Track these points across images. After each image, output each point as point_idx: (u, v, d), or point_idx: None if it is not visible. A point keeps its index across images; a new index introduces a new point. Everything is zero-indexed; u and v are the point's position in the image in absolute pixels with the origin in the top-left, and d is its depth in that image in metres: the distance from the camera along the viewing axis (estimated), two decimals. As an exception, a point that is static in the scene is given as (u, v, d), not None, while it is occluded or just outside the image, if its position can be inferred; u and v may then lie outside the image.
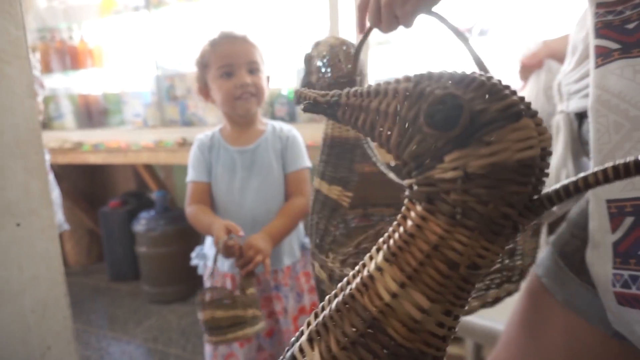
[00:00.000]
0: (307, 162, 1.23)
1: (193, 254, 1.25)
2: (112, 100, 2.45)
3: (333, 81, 0.68)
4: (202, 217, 1.12)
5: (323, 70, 0.69)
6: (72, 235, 2.74)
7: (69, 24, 2.40)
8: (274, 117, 2.00)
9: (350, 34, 1.84)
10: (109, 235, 2.53)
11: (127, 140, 2.17)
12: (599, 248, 0.47)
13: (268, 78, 1.22)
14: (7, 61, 0.78)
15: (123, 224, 2.45)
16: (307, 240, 1.26)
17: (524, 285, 0.64)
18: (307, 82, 0.73)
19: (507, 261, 0.50)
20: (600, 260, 0.47)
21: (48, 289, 0.84)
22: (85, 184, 2.80)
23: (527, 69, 0.83)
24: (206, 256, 1.23)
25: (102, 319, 2.17)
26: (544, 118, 0.64)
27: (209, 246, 1.22)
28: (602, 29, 0.47)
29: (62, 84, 2.60)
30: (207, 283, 1.19)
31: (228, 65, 1.12)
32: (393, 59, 1.95)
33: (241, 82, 1.11)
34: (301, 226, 1.26)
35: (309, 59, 0.72)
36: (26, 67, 0.81)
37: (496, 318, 1.07)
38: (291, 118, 1.99)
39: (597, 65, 0.47)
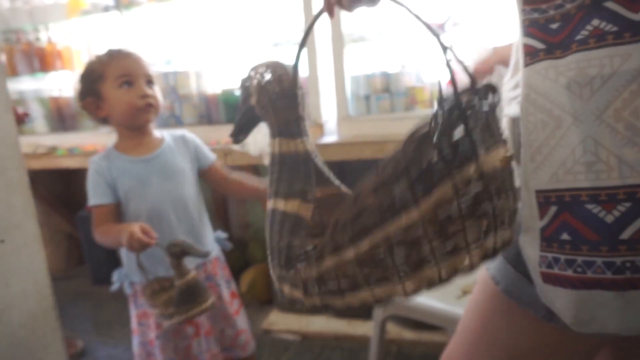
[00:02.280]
0: (214, 155, 1.31)
1: (113, 278, 1.21)
2: (84, 102, 2.41)
3: (275, 96, 0.68)
4: (111, 228, 1.11)
5: (266, 87, 0.68)
6: (51, 241, 2.69)
7: (34, 25, 2.34)
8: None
9: (322, 26, 1.85)
10: (88, 238, 2.49)
11: (104, 143, 2.14)
12: (529, 233, 0.51)
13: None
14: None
15: (102, 227, 2.43)
16: (219, 233, 1.34)
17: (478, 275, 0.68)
18: (247, 106, 0.72)
19: (495, 200, 0.48)
20: (530, 244, 0.51)
21: (36, 302, 0.85)
22: (61, 189, 2.75)
23: (479, 75, 0.87)
24: (128, 275, 1.20)
25: (87, 323, 2.15)
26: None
27: (128, 263, 1.20)
28: (529, 27, 0.50)
29: (31, 87, 2.54)
30: (141, 296, 1.18)
31: (128, 75, 1.13)
32: (368, 56, 1.97)
33: (142, 93, 1.14)
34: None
35: (246, 83, 0.71)
36: (1, 82, 0.80)
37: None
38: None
39: (526, 64, 0.50)
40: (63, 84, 2.52)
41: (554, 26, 0.48)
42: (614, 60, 0.44)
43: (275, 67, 0.69)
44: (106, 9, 2.13)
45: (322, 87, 1.90)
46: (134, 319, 1.24)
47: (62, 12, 2.27)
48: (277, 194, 0.66)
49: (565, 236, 0.47)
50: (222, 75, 2.25)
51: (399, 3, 0.56)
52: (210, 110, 2.14)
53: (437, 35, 0.57)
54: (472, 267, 0.47)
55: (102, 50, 1.19)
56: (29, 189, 0.84)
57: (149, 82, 1.17)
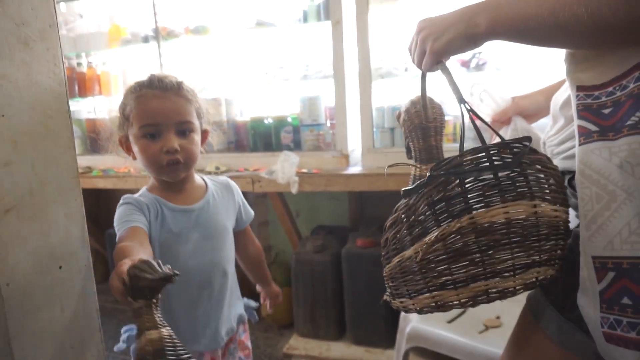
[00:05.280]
0: (252, 211, 1.17)
1: (122, 336, 1.06)
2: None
3: (415, 127, 0.86)
4: (120, 252, 0.81)
5: (406, 119, 0.88)
6: (78, 257, 2.78)
7: (77, 52, 2.47)
8: (280, 145, 2.08)
9: (351, 60, 1.92)
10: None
11: (137, 166, 2.23)
12: (588, 294, 0.55)
13: (205, 132, 1.08)
14: (51, 116, 0.85)
15: (130, 246, 2.50)
16: (248, 302, 1.20)
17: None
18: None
19: (550, 242, 0.56)
20: (590, 304, 0.55)
21: (85, 325, 0.90)
22: (92, 207, 2.85)
23: (497, 125, 0.91)
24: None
25: (110, 342, 2.20)
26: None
27: None
28: (582, 111, 0.55)
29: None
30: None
31: (153, 126, 0.95)
32: (395, 90, 2.03)
33: (167, 148, 0.94)
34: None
35: (399, 114, 0.90)
36: (67, 121, 0.87)
37: (498, 344, 1.14)
38: (296, 146, 2.07)
39: (580, 144, 0.56)
40: (99, 107, 2.64)
41: (606, 111, 0.54)
42: None
43: (415, 103, 0.87)
44: (146, 39, 2.25)
45: (349, 119, 1.97)
46: None
47: (104, 41, 2.39)
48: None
49: (626, 300, 0.51)
50: (251, 104, 2.34)
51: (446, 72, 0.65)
52: (239, 137, 2.22)
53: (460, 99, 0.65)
54: (513, 293, 0.55)
55: (141, 77, 1.01)
56: (85, 219, 0.91)
57: (183, 131, 0.97)
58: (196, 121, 1.01)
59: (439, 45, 0.66)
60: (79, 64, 2.46)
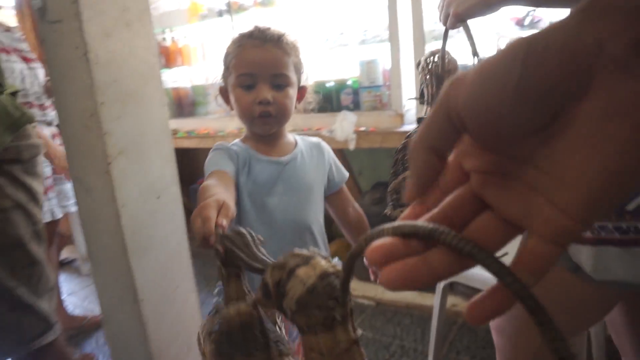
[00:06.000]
0: (346, 172, 1.13)
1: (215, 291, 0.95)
2: (199, 92, 2.82)
3: (431, 74, 0.98)
4: (204, 192, 0.76)
5: (424, 66, 0.99)
6: (169, 210, 3.19)
7: (162, 28, 2.77)
8: (340, 106, 2.25)
9: (405, 24, 2.03)
10: (199, 209, 2.94)
11: (215, 127, 2.52)
12: None
13: (303, 90, 1.05)
14: (147, 82, 1.09)
15: (211, 199, 2.84)
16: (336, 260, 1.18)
17: None
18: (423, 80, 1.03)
19: None
20: None
21: (176, 243, 1.17)
22: (178, 165, 3.24)
23: None
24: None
25: (199, 278, 2.57)
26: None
27: None
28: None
29: (157, 79, 3.02)
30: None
31: (249, 75, 0.94)
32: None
33: (260, 99, 0.93)
34: None
35: (419, 64, 1.01)
36: (160, 85, 1.12)
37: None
38: (355, 106, 2.23)
39: None
40: (182, 77, 2.96)
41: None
42: None
43: (435, 54, 1.00)
44: (220, 13, 2.49)
45: (404, 80, 2.09)
46: None
47: (184, 17, 2.68)
48: None
49: None
50: (314, 68, 2.52)
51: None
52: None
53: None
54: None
55: (246, 28, 0.99)
56: (175, 162, 1.16)
57: (279, 85, 0.95)
58: (293, 75, 0.98)
59: (462, 9, 0.80)
60: (163, 39, 2.77)
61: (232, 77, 0.96)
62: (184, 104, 2.88)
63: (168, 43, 2.79)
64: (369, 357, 1.73)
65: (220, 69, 1.03)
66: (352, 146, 2.03)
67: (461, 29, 0.86)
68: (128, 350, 1.14)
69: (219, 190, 0.77)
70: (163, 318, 1.14)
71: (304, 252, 0.47)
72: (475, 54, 0.89)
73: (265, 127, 0.97)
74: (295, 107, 1.02)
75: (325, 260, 0.43)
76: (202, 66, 2.81)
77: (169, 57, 2.78)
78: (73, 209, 2.02)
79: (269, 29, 0.98)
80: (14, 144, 1.05)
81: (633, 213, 0.61)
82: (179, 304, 1.18)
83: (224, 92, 1.02)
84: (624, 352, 0.87)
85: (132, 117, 1.05)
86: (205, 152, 3.29)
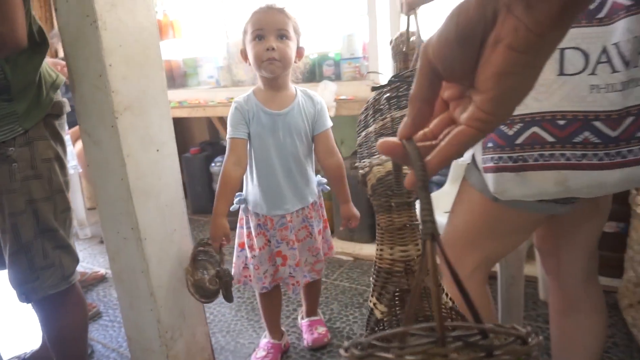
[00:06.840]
0: (330, 122, 1.43)
1: (235, 200, 1.44)
2: (190, 64, 2.95)
3: (399, 51, 1.26)
4: (221, 192, 1.36)
5: (393, 45, 1.28)
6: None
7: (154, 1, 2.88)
8: (322, 76, 2.40)
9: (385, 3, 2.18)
10: (190, 176, 3.10)
11: (205, 98, 2.66)
12: (478, 148, 0.86)
13: (301, 49, 1.37)
14: (148, 47, 1.24)
15: (202, 166, 3.00)
16: (319, 178, 1.52)
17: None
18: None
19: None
20: (479, 152, 0.85)
21: (173, 191, 1.34)
22: (170, 135, 3.37)
23: None
24: (245, 200, 1.46)
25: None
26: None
27: (249, 193, 1.46)
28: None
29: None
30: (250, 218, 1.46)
31: (260, 29, 1.28)
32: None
33: (267, 46, 1.26)
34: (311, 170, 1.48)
35: (391, 42, 1.31)
36: (158, 50, 1.27)
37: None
38: (337, 77, 2.39)
39: None
40: (174, 49, 3.07)
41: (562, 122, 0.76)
42: None
43: (401, 36, 1.29)
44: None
45: (380, 52, 2.25)
46: (241, 237, 1.48)
47: (174, -10, 2.78)
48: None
49: (490, 144, 0.81)
50: (317, 39, 2.62)
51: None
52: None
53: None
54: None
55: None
56: (171, 119, 1.31)
57: (282, 36, 1.28)
58: (293, 34, 1.32)
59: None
60: (155, 12, 2.88)
61: (248, 35, 1.31)
62: (176, 76, 3.01)
63: (160, 16, 2.90)
64: (346, 302, 1.93)
65: (239, 37, 1.40)
66: (332, 113, 2.20)
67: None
68: (133, 284, 1.31)
69: (230, 198, 1.40)
70: (163, 256, 1.31)
71: (382, 157, 0.81)
72: (419, 37, 1.08)
73: (270, 67, 1.29)
74: (296, 62, 1.37)
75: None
76: (193, 39, 2.93)
77: (160, 30, 2.90)
78: (72, 171, 2.18)
79: (275, 3, 1.34)
80: (57, 100, 1.25)
81: (521, 145, 0.78)
82: (176, 245, 1.35)
83: (243, 53, 1.37)
84: (548, 270, 1.07)
85: (136, 78, 1.20)
86: (196, 120, 3.51)
